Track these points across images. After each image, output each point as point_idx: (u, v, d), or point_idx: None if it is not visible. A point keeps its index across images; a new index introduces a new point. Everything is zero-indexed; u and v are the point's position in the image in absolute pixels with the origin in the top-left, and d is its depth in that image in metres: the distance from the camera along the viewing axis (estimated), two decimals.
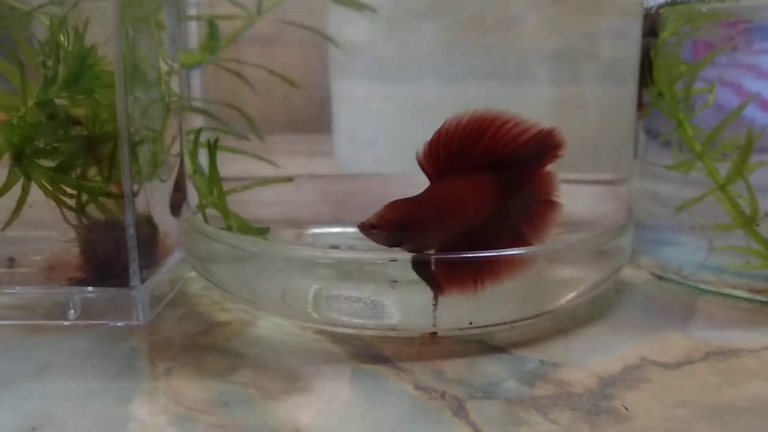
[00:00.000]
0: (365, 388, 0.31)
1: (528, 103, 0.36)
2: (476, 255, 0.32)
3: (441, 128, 0.31)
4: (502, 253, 0.33)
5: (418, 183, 0.32)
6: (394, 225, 0.31)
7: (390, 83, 0.37)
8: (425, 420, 0.28)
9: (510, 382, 0.31)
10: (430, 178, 0.32)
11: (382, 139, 0.39)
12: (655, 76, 0.44)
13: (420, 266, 0.32)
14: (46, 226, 0.38)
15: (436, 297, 0.32)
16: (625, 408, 0.29)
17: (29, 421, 0.28)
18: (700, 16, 0.43)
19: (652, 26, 0.44)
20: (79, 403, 0.29)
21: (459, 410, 0.29)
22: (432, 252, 0.32)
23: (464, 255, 0.32)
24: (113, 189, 0.37)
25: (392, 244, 0.31)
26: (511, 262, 0.33)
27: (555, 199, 0.33)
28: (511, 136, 0.32)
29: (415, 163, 0.31)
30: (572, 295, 0.36)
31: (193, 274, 0.44)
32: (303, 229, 0.41)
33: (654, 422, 0.28)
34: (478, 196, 0.32)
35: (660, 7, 0.43)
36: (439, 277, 0.32)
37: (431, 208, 0.32)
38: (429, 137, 0.36)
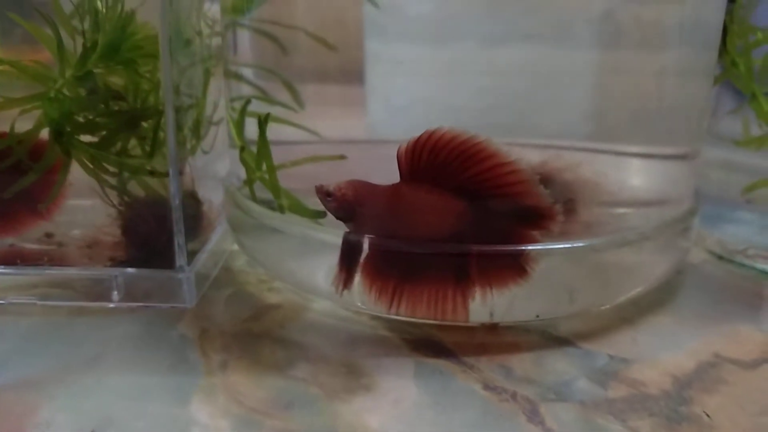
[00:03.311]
0: (432, 387, 0.29)
1: (572, 68, 0.33)
2: (408, 251, 0.30)
3: (433, 132, 0.28)
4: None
5: None
6: (346, 201, 0.30)
7: (427, 44, 0.35)
8: (499, 426, 0.27)
9: (582, 382, 0.30)
10: (401, 175, 0.29)
11: (417, 103, 0.37)
12: (729, 44, 0.41)
13: (349, 247, 0.31)
14: (83, 195, 0.36)
15: (343, 285, 0.31)
16: (707, 415, 0.28)
17: (88, 422, 0.27)
18: None
19: None
20: (137, 402, 0.28)
21: (533, 414, 0.28)
22: (368, 237, 0.31)
23: (396, 250, 0.30)
24: (157, 167, 0.35)
25: (339, 217, 0.31)
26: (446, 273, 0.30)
27: (528, 269, 0.30)
28: (506, 181, 0.28)
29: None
30: (643, 285, 0.35)
31: (236, 246, 0.42)
32: None
33: None
34: (437, 218, 0.30)
35: None
36: (363, 266, 0.30)
37: (387, 204, 0.30)
38: (467, 101, 0.34)
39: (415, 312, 0.30)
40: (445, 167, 0.29)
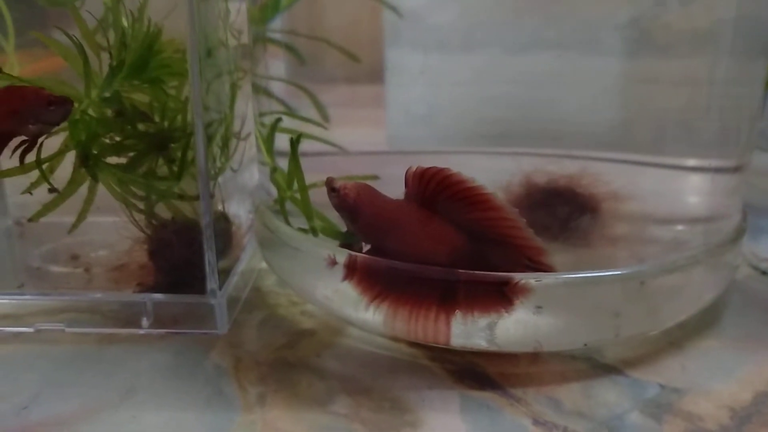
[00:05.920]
0: (480, 424, 0.28)
1: (600, 76, 0.32)
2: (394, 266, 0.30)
3: (442, 170, 0.28)
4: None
5: (475, 163, 0.29)
6: (345, 201, 0.30)
7: (448, 53, 0.33)
8: None
9: (634, 415, 0.29)
10: (406, 194, 0.29)
11: (439, 113, 0.35)
12: None
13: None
14: (109, 211, 0.35)
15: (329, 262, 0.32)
16: None
17: None
18: None
19: None
20: None
21: None
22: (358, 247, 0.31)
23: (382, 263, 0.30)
24: (186, 189, 0.33)
25: (339, 212, 0.31)
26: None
27: (514, 300, 0.29)
28: (507, 234, 0.29)
29: (474, 140, 0.29)
30: (692, 310, 0.33)
31: (265, 265, 0.41)
32: None
33: None
34: (432, 244, 0.29)
35: None
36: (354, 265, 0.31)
37: (384, 216, 0.30)
38: (490, 112, 0.33)
39: (395, 327, 0.30)
40: (449, 203, 0.29)
